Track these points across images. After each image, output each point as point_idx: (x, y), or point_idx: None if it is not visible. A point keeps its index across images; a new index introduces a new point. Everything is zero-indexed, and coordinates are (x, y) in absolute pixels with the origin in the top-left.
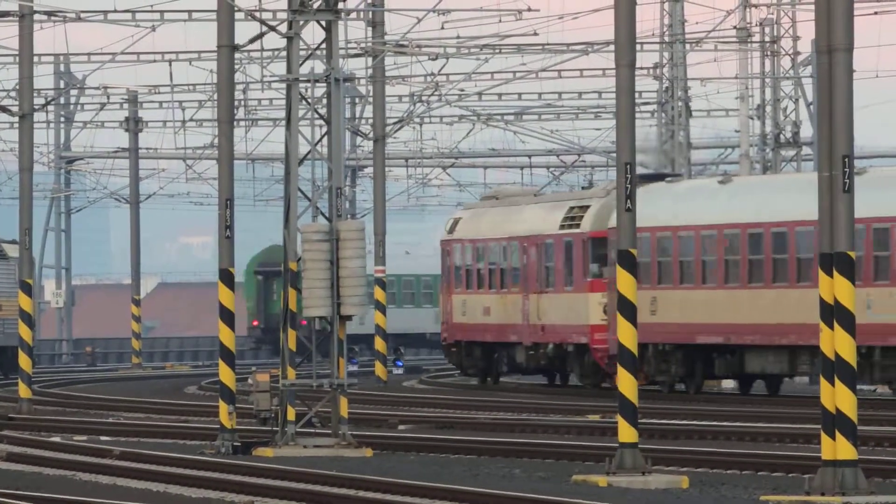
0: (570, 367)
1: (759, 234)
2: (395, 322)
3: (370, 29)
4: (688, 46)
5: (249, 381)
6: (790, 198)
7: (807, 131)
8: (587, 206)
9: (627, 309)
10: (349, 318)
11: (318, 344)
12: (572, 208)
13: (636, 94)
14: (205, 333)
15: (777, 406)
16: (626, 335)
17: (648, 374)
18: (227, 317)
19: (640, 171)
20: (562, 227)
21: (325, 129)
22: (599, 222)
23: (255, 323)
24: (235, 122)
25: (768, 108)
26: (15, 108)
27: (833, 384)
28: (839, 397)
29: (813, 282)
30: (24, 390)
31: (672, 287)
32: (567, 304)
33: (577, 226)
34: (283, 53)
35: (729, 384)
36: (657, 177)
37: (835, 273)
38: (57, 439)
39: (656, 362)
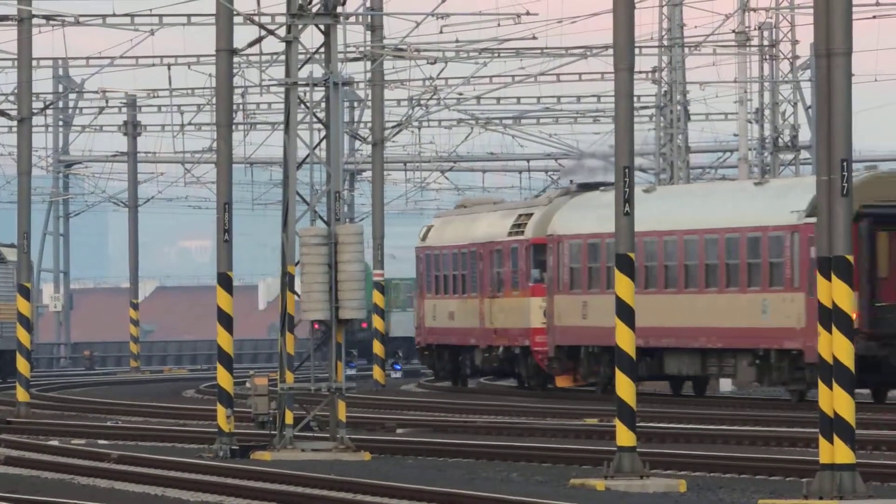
0: (517, 368)
1: (674, 242)
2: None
3: (369, 33)
4: (686, 50)
5: (247, 384)
6: (703, 206)
7: (805, 135)
8: (531, 214)
9: (626, 313)
10: (348, 321)
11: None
12: (520, 216)
13: (635, 98)
14: (203, 337)
15: (775, 410)
16: (625, 339)
17: (583, 375)
18: (226, 320)
19: (581, 179)
20: (509, 234)
21: (323, 133)
22: (540, 229)
23: (316, 326)
24: (234, 126)
25: (767, 112)
26: (13, 112)
27: (831, 388)
28: (837, 401)
29: (720, 288)
30: (22, 394)
31: (600, 292)
32: (513, 308)
33: (522, 233)
34: (282, 57)
35: (726, 387)
36: (593, 185)
37: (833, 277)
38: (55, 443)
39: (588, 364)
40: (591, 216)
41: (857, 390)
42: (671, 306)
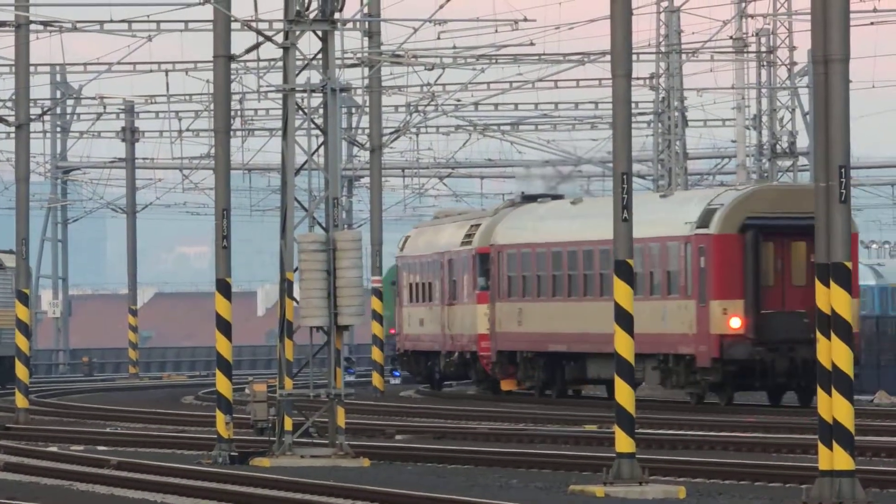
0: (469, 373)
1: (591, 251)
2: None
3: (366, 39)
4: (684, 56)
5: (246, 390)
6: (606, 218)
7: (803, 141)
8: (479, 225)
9: (624, 319)
10: (346, 328)
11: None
12: (471, 227)
13: (633, 105)
14: (202, 343)
15: (772, 416)
16: (623, 346)
17: (521, 379)
18: (224, 327)
19: (526, 191)
20: (461, 244)
21: (321, 140)
22: (485, 239)
23: (393, 331)
24: (232, 133)
25: (765, 119)
26: (11, 118)
27: (830, 394)
28: (836, 408)
29: (641, 296)
30: (20, 400)
31: (533, 300)
32: (464, 315)
33: (470, 243)
34: (280, 64)
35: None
36: (536, 197)
37: (832, 284)
38: (54, 449)
39: (524, 368)
40: (528, 227)
41: (743, 392)
42: (590, 313)
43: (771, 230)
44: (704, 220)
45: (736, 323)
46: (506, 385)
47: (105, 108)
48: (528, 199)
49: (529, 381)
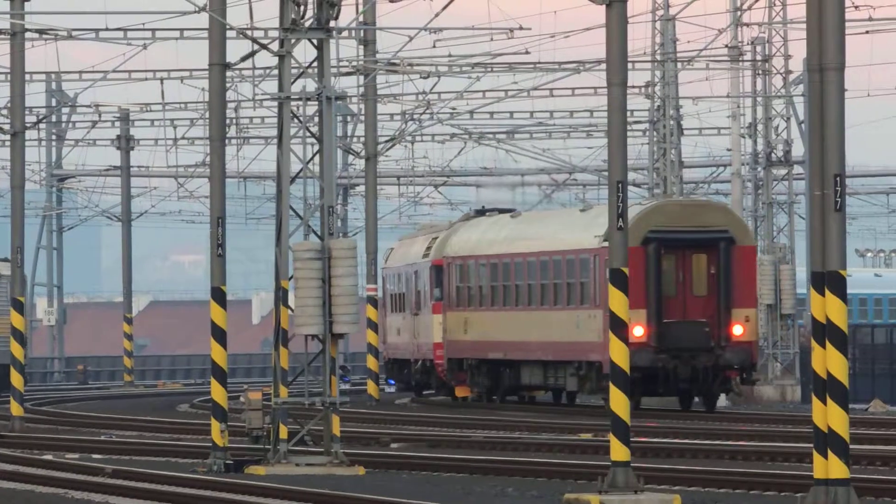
0: (431, 380)
1: (520, 263)
2: None
3: (362, 47)
4: (679, 65)
5: (242, 399)
6: (543, 231)
7: (798, 150)
8: (437, 238)
9: (619, 327)
10: (341, 336)
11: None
12: (432, 239)
13: (628, 113)
14: (197, 351)
15: (770, 425)
16: (618, 354)
17: (469, 386)
18: (219, 335)
19: (485, 206)
20: (423, 256)
21: (316, 148)
22: (439, 252)
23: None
24: (227, 141)
25: (760, 127)
26: (6, 126)
27: (825, 403)
28: (831, 416)
29: (550, 305)
30: (15, 408)
31: (475, 309)
32: (425, 325)
33: (428, 255)
34: (275, 72)
35: (722, 402)
36: (484, 212)
37: (826, 292)
38: (49, 457)
39: (470, 375)
40: (473, 240)
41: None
42: (522, 322)
43: (672, 243)
44: (607, 234)
45: (639, 331)
46: (460, 392)
47: (100, 116)
48: (480, 213)
49: (476, 387)
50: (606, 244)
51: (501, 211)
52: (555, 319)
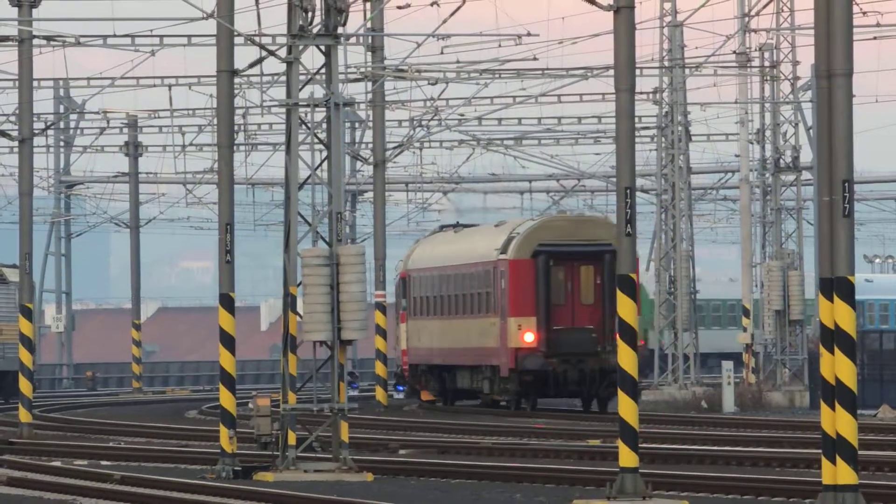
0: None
1: (453, 275)
2: None
3: (370, 54)
4: (687, 71)
5: (250, 405)
6: (466, 245)
7: (806, 156)
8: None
9: (627, 334)
10: (350, 342)
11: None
12: (406, 253)
13: (636, 119)
14: (205, 358)
15: (778, 430)
16: (627, 360)
17: (429, 390)
18: (228, 341)
19: (451, 220)
20: (396, 268)
21: (324, 154)
22: (405, 264)
23: (642, 342)
24: (235, 147)
25: (768, 133)
26: (15, 133)
27: (833, 409)
28: (840, 422)
29: (467, 314)
30: (24, 415)
31: (425, 318)
32: (398, 333)
33: (399, 268)
34: (283, 78)
35: (729, 407)
36: (451, 226)
37: (835, 298)
38: (58, 464)
39: (425, 380)
40: (426, 253)
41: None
42: (455, 330)
43: (560, 256)
44: (504, 247)
45: (529, 337)
46: (425, 395)
47: (108, 122)
48: (444, 227)
49: (431, 391)
50: (502, 256)
51: (464, 226)
52: (471, 327)
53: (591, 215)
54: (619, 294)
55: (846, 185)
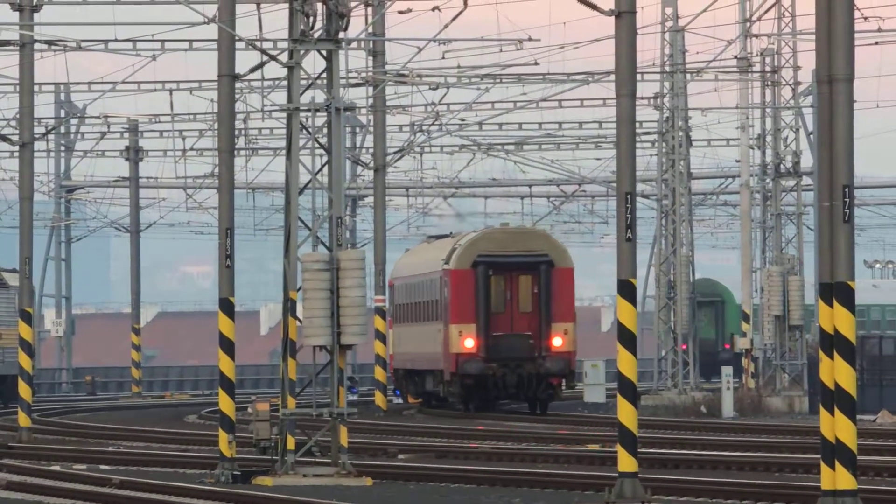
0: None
1: (414, 284)
2: None
3: (371, 58)
4: (688, 76)
5: (249, 409)
6: (432, 255)
7: (807, 161)
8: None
9: (627, 339)
10: (349, 347)
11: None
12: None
13: (637, 124)
14: (205, 362)
15: (778, 435)
16: (626, 365)
17: (410, 392)
18: (227, 346)
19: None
20: (390, 275)
21: (325, 159)
22: (392, 274)
23: (684, 346)
24: (236, 152)
25: (769, 138)
26: (15, 137)
27: (833, 414)
28: (839, 427)
29: (423, 321)
30: (23, 419)
31: (400, 324)
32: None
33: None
34: (284, 83)
35: (728, 412)
36: (438, 237)
37: (835, 303)
38: (57, 468)
39: (405, 384)
40: (406, 262)
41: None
42: (417, 335)
43: (499, 266)
44: (448, 258)
45: (469, 343)
46: (410, 399)
47: (109, 126)
48: (430, 238)
49: (413, 394)
50: (446, 267)
51: (438, 237)
52: (426, 333)
53: (530, 228)
54: (618, 299)
55: (846, 190)
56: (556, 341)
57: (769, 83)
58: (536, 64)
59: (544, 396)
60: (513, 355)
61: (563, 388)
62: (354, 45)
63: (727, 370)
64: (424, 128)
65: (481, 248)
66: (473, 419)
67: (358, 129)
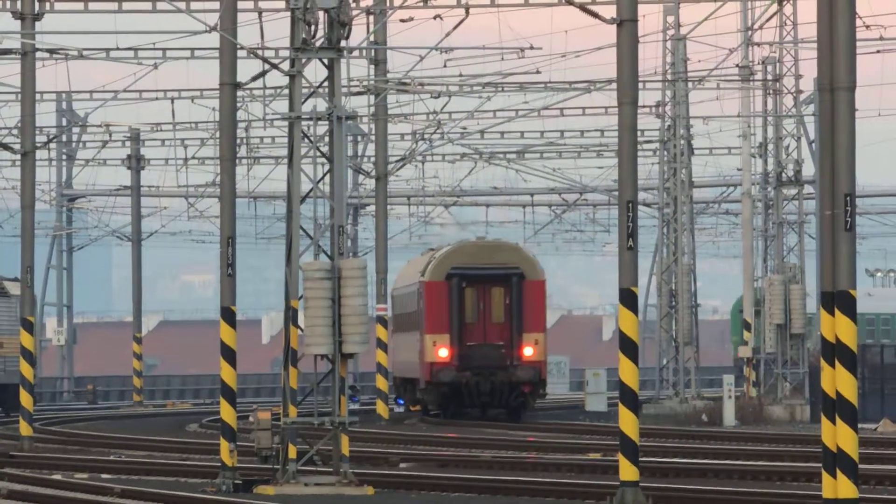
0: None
1: (403, 295)
2: None
3: (372, 67)
4: (690, 85)
5: (251, 418)
6: (414, 267)
7: (809, 170)
8: None
9: (629, 348)
10: (351, 356)
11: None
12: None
13: (638, 133)
14: (206, 371)
15: (779, 443)
16: (628, 374)
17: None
18: (229, 354)
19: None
20: None
21: (327, 168)
22: (394, 283)
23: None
24: (237, 160)
25: (770, 147)
26: (17, 146)
27: (834, 422)
28: (840, 435)
29: (406, 331)
30: (25, 428)
31: (396, 333)
32: None
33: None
34: (286, 91)
35: (730, 421)
36: (431, 249)
37: (836, 312)
38: (58, 477)
39: (402, 391)
40: (402, 273)
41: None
42: (403, 344)
43: (472, 278)
44: (423, 271)
45: (443, 353)
46: (412, 407)
47: (111, 135)
48: (430, 250)
49: (410, 402)
50: (422, 279)
51: (433, 249)
52: (410, 342)
53: (502, 241)
54: (620, 308)
55: (848, 198)
56: (527, 351)
57: (771, 91)
58: (538, 72)
59: (516, 404)
60: (485, 364)
61: (535, 397)
62: (356, 53)
63: (728, 379)
64: (426, 136)
65: (455, 260)
66: (474, 428)
67: (359, 138)
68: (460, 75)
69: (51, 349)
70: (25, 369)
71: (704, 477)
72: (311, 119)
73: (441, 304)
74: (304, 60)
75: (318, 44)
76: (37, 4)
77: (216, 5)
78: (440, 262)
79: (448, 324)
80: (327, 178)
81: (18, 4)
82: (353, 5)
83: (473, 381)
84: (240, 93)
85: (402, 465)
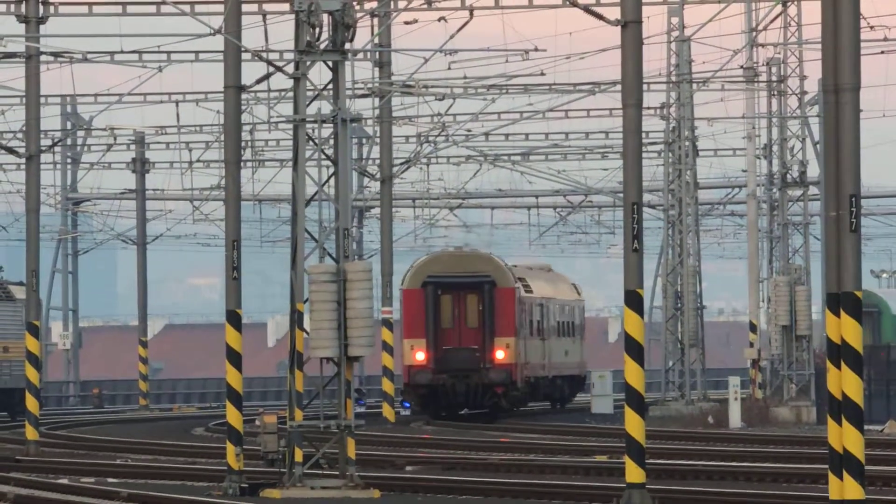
0: None
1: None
2: None
3: (377, 69)
4: (695, 86)
5: (257, 422)
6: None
7: (814, 170)
8: None
9: (634, 350)
10: (356, 358)
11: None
12: None
13: (643, 134)
14: (212, 375)
15: (785, 445)
16: (633, 376)
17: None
18: (235, 358)
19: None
20: None
21: (331, 170)
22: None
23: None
24: (242, 163)
25: (775, 148)
26: (22, 150)
27: (840, 424)
28: (846, 437)
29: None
30: (31, 432)
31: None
32: None
33: None
34: (290, 94)
35: (736, 423)
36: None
37: (842, 313)
38: (64, 481)
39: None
40: (410, 274)
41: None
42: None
43: (447, 286)
44: (403, 279)
45: (420, 356)
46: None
47: (115, 139)
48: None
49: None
50: (402, 287)
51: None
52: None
53: (476, 252)
54: (626, 310)
55: (853, 199)
56: (499, 354)
57: (775, 93)
58: (543, 74)
59: (489, 404)
60: (460, 367)
61: (507, 398)
62: (360, 55)
63: (734, 380)
64: (431, 139)
65: (430, 269)
66: (482, 431)
67: (364, 140)
68: (465, 77)
69: (56, 353)
70: (31, 373)
71: (710, 479)
72: (315, 122)
73: (418, 311)
74: (308, 63)
75: (322, 46)
76: (41, 8)
77: (220, 8)
78: (417, 270)
79: (424, 329)
80: (332, 181)
81: (23, 8)
82: (358, 8)
83: (449, 383)
84: (244, 96)
85: (409, 468)
